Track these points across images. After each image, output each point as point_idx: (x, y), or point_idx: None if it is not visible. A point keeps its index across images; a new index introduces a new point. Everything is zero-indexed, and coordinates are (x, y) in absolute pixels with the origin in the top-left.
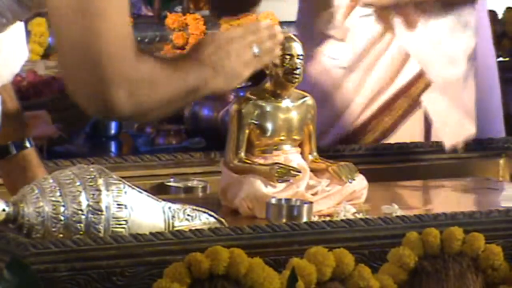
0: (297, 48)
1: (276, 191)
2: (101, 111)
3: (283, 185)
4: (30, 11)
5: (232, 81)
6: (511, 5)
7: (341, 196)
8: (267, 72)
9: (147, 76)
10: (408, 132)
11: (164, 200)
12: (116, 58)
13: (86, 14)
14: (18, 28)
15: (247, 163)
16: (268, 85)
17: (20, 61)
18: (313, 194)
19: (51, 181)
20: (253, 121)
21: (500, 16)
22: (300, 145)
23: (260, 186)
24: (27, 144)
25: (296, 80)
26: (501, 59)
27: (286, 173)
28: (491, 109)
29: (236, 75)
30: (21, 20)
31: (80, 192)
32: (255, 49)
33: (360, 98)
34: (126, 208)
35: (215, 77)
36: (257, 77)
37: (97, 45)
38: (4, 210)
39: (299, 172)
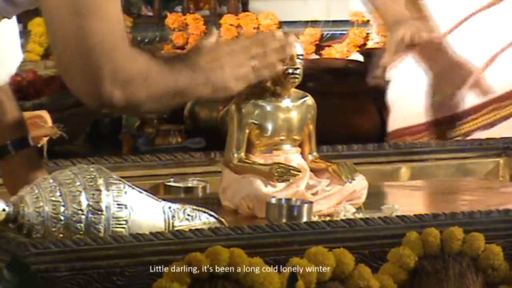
0: (297, 48)
1: (276, 191)
2: (97, 105)
3: (283, 184)
4: (18, 8)
5: (220, 93)
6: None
7: (341, 196)
8: None
9: (140, 71)
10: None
11: (164, 200)
12: (110, 54)
13: (79, 13)
14: (12, 29)
15: (247, 163)
16: (268, 84)
17: (15, 62)
18: (313, 194)
19: (51, 181)
20: (253, 121)
21: None
22: (300, 145)
23: (260, 185)
24: (26, 144)
25: (296, 80)
26: None
27: (286, 173)
28: None
29: (226, 88)
30: (9, 18)
31: (80, 192)
32: (254, 63)
33: None
34: (126, 208)
35: (204, 86)
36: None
37: (91, 43)
38: (4, 210)
39: (299, 171)
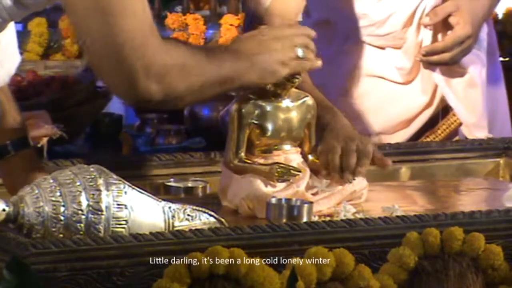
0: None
1: (276, 191)
2: (137, 101)
3: (283, 184)
4: (27, 11)
5: (267, 77)
6: (511, 5)
7: (341, 196)
8: None
9: (175, 62)
10: None
11: (164, 200)
12: (140, 50)
13: (105, 12)
14: (10, 30)
15: (247, 163)
16: (268, 85)
17: (14, 64)
18: (313, 194)
19: (51, 181)
20: (253, 121)
21: (500, 16)
22: (300, 145)
23: (260, 185)
24: (26, 144)
25: (297, 80)
26: (501, 59)
27: (286, 173)
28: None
29: (273, 72)
30: (17, 20)
31: (80, 192)
32: (299, 52)
33: None
34: (126, 208)
35: (250, 71)
36: None
37: (120, 41)
38: (4, 210)
39: (299, 171)
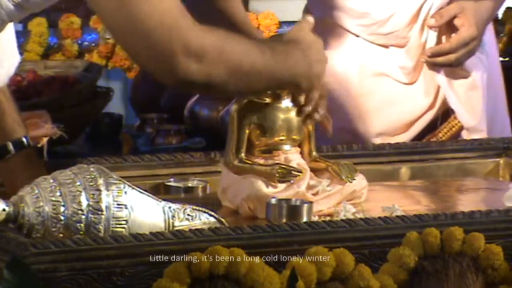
0: None
1: (277, 191)
2: (178, 81)
3: (283, 185)
4: (26, 12)
5: (318, 66)
6: (511, 5)
7: (341, 195)
8: None
9: (213, 43)
10: None
11: (164, 200)
12: (175, 30)
13: (128, 5)
14: (9, 30)
15: (248, 163)
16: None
17: (14, 64)
18: (313, 194)
19: (51, 181)
20: (253, 121)
21: (499, 16)
22: (300, 145)
23: (261, 186)
24: (26, 144)
25: None
26: (501, 59)
27: (287, 174)
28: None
29: (322, 61)
30: (16, 21)
31: (80, 192)
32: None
33: None
34: (126, 208)
35: (300, 60)
36: None
37: (150, 26)
38: (4, 210)
39: (300, 172)
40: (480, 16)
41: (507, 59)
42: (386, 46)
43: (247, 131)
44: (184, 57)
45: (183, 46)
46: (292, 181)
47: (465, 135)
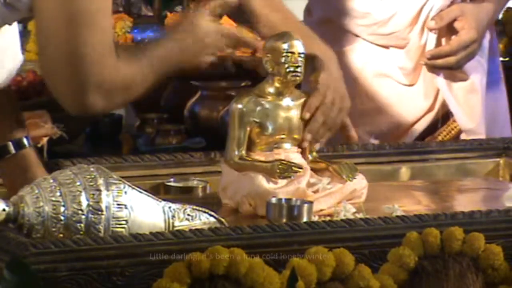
0: (298, 46)
1: (277, 187)
2: (78, 112)
3: (284, 181)
4: (20, 14)
5: (198, 56)
6: (511, 5)
7: (342, 194)
8: (269, 70)
9: (124, 81)
10: None
11: (164, 200)
12: (97, 66)
13: (74, 22)
14: (13, 31)
15: (248, 160)
16: (269, 83)
17: (16, 65)
18: (314, 192)
19: (51, 181)
20: (254, 119)
21: (499, 16)
22: (300, 145)
23: (262, 182)
24: (26, 144)
25: (297, 78)
26: (501, 59)
27: (288, 170)
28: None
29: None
30: (10, 24)
31: (80, 192)
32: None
33: None
34: (126, 208)
35: (181, 52)
36: (258, 77)
37: (81, 52)
38: (4, 210)
39: (301, 168)
40: (480, 19)
41: (507, 59)
42: (386, 47)
43: (247, 129)
44: (94, 94)
45: (98, 84)
46: (292, 177)
47: (463, 138)
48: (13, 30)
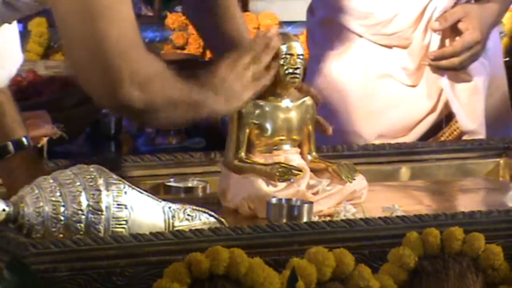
0: (297, 47)
1: (277, 190)
2: (117, 106)
3: (284, 184)
4: (19, 13)
5: (233, 103)
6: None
7: (341, 195)
8: None
9: (157, 73)
10: None
11: (164, 200)
12: (126, 55)
13: (91, 17)
14: (12, 31)
15: (248, 162)
16: (268, 84)
17: (16, 65)
18: (314, 194)
19: (51, 181)
20: (253, 121)
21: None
22: (299, 145)
23: (261, 185)
24: (26, 144)
25: (297, 79)
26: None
27: (287, 173)
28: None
29: (237, 97)
30: (10, 23)
31: (80, 192)
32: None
33: None
34: (126, 208)
35: (216, 98)
36: None
37: (105, 47)
38: (4, 210)
39: (300, 171)
40: (484, 21)
41: (507, 59)
42: (389, 47)
43: (247, 131)
44: (129, 84)
45: (131, 73)
46: (292, 180)
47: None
48: (13, 30)
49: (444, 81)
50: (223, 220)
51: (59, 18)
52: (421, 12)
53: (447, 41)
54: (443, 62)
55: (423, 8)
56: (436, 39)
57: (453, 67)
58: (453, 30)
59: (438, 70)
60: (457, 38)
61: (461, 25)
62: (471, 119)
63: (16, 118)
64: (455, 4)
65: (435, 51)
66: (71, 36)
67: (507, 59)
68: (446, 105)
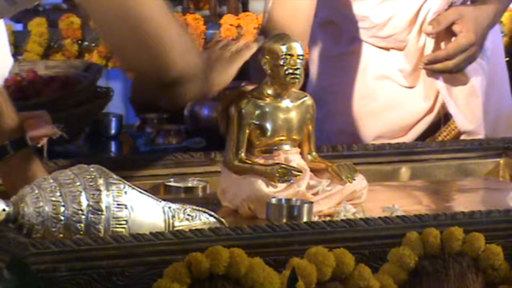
0: (297, 48)
1: (277, 191)
2: (177, 75)
3: (284, 184)
4: (18, 7)
5: (223, 77)
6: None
7: (341, 195)
8: (268, 72)
9: (188, 45)
10: None
11: (164, 200)
12: (159, 27)
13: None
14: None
15: (248, 163)
16: (268, 85)
17: (7, 66)
18: (313, 194)
19: (51, 181)
20: (253, 121)
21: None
22: (299, 145)
23: (261, 186)
24: (25, 144)
25: (297, 80)
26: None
27: (287, 173)
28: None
29: (225, 72)
30: (7, 17)
31: (80, 192)
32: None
33: None
34: (126, 208)
35: (210, 75)
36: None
37: (136, 18)
38: (4, 210)
39: (300, 172)
40: (480, 22)
41: (507, 59)
42: (387, 49)
43: (247, 131)
44: (168, 53)
45: (167, 47)
46: (292, 181)
47: (464, 138)
48: (1, 33)
49: (440, 83)
50: (223, 220)
51: (95, 9)
52: (415, 15)
53: (442, 44)
54: (438, 66)
55: (416, 10)
56: (431, 40)
57: (448, 70)
58: (448, 32)
59: (434, 73)
60: (452, 39)
61: (455, 27)
62: (468, 120)
63: (14, 118)
64: (450, 6)
65: (428, 55)
66: (113, 26)
67: (507, 59)
68: (444, 106)
